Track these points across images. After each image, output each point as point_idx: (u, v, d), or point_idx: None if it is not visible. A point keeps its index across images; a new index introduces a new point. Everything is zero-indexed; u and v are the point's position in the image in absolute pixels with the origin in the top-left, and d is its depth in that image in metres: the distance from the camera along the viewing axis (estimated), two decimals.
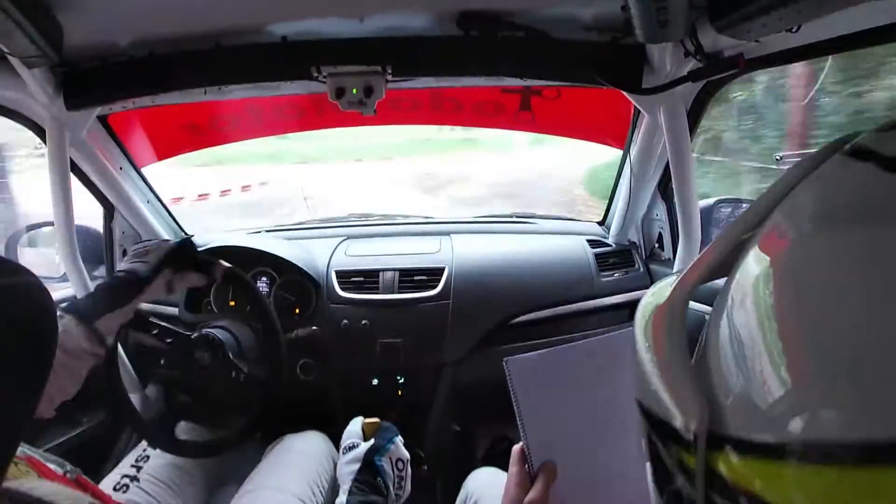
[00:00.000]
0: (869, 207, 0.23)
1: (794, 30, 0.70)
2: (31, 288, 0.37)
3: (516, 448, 0.65)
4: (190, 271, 0.98)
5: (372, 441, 0.81)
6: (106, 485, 0.98)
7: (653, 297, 0.34)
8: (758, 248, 0.26)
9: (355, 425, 0.88)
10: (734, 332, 0.25)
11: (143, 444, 1.07)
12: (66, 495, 0.45)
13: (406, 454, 0.84)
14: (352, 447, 0.81)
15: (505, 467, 0.83)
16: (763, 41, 0.79)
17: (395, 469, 0.79)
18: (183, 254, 0.97)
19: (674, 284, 0.31)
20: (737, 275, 0.27)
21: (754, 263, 0.26)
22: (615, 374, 0.64)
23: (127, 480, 0.98)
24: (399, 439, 0.84)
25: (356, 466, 0.77)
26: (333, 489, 1.09)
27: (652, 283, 1.36)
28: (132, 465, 1.02)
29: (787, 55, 0.80)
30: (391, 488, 0.78)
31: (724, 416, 0.24)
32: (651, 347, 0.30)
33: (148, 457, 1.04)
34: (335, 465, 1.11)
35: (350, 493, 0.74)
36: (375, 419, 0.88)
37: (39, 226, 1.44)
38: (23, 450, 0.61)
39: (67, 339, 0.84)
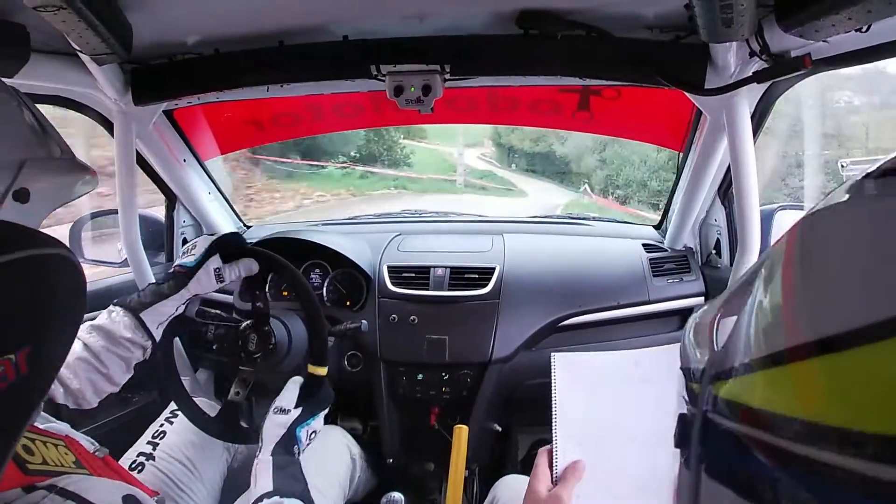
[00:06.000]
0: None
1: (863, 30, 0.68)
2: (63, 258, 0.43)
3: (544, 447, 0.67)
4: (240, 261, 1.00)
5: (300, 410, 0.89)
6: (122, 465, 0.96)
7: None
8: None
9: (292, 392, 0.92)
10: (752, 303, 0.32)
11: (161, 418, 1.08)
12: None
13: (321, 426, 0.94)
14: (284, 411, 0.89)
15: None
16: (831, 41, 0.76)
17: (308, 438, 0.91)
18: (229, 245, 1.00)
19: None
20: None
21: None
22: (658, 387, 0.64)
23: (143, 459, 0.99)
24: (322, 414, 0.94)
25: (281, 432, 0.87)
26: (351, 482, 1.14)
27: (707, 290, 1.33)
28: (149, 442, 1.02)
29: (856, 55, 0.77)
30: (298, 453, 0.89)
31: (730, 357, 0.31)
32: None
33: (165, 432, 1.04)
34: (353, 461, 1.15)
35: (273, 452, 0.85)
36: None
37: (104, 213, 1.51)
38: (61, 428, 0.63)
39: (114, 328, 0.88)
